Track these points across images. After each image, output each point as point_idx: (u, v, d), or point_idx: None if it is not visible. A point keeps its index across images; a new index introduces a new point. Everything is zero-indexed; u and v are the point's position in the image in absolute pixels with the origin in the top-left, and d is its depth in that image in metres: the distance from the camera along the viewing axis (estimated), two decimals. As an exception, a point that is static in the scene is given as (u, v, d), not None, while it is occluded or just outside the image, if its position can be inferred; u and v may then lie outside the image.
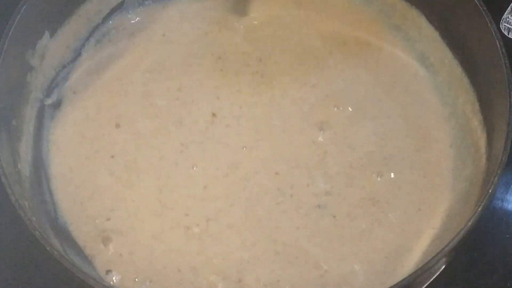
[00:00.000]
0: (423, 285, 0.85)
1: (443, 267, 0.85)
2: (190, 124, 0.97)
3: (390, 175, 0.94)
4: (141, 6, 1.05)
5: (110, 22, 1.03)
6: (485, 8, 0.88)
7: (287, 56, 1.03)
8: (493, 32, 0.86)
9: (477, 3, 0.88)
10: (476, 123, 0.93)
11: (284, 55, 1.03)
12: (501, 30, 1.05)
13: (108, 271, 0.88)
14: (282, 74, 1.01)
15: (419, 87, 1.00)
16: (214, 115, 0.97)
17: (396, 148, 0.96)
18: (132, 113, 0.98)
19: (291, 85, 1.00)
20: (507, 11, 1.08)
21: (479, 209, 0.79)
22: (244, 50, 1.03)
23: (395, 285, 0.76)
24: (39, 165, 0.93)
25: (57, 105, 0.98)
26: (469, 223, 0.78)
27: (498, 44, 0.86)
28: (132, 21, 1.05)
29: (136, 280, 0.87)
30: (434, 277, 0.86)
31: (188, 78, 1.01)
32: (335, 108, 0.98)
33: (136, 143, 0.95)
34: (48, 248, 0.76)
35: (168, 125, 0.97)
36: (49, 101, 0.97)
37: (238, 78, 1.01)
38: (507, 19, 1.07)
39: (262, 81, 1.01)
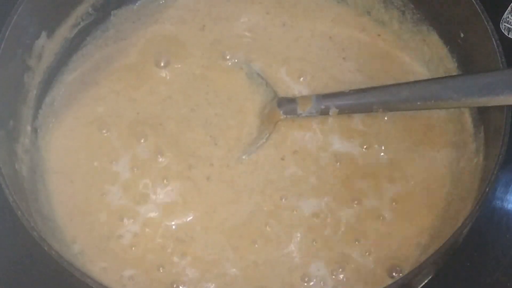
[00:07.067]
0: (421, 283, 0.85)
1: (441, 265, 0.85)
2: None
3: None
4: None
5: (109, 22, 1.03)
6: (481, 7, 0.88)
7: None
8: (490, 31, 0.86)
9: (474, 2, 0.88)
10: (474, 121, 0.93)
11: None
12: (499, 29, 1.05)
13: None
14: None
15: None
16: None
17: (394, 147, 0.96)
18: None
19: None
20: (507, 11, 1.08)
21: (477, 207, 0.79)
22: None
23: (393, 283, 0.76)
24: (37, 165, 0.93)
25: (55, 105, 0.98)
26: (467, 222, 0.78)
27: (495, 43, 0.86)
28: (132, 22, 1.05)
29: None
30: (431, 276, 0.86)
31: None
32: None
33: (136, 143, 0.96)
34: (46, 249, 0.76)
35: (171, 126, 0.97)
36: (46, 101, 0.97)
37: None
38: (507, 19, 1.07)
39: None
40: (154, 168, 0.93)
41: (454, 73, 0.97)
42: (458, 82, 0.87)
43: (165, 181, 0.93)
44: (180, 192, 0.92)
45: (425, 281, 0.86)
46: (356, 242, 0.90)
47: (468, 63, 0.94)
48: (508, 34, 1.07)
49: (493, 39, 0.86)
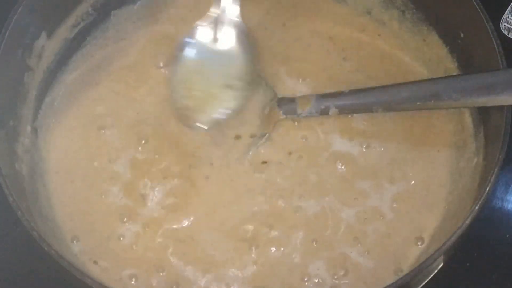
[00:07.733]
0: (421, 283, 0.85)
1: (441, 265, 0.85)
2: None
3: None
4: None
5: (109, 22, 1.03)
6: (481, 7, 0.88)
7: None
8: (490, 31, 0.86)
9: (474, 2, 0.88)
10: (474, 121, 0.93)
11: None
12: (499, 29, 1.05)
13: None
14: None
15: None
16: None
17: (394, 147, 0.96)
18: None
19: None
20: (507, 11, 1.08)
21: (476, 207, 0.79)
22: None
23: (393, 283, 0.76)
24: (37, 165, 0.93)
25: (55, 105, 0.98)
26: (467, 222, 0.78)
27: (495, 43, 0.85)
28: (132, 22, 1.05)
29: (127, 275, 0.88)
30: (432, 276, 0.86)
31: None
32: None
33: (136, 143, 0.96)
34: (46, 248, 0.76)
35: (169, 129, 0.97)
36: (46, 101, 0.97)
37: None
38: (507, 19, 1.07)
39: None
40: (154, 168, 0.93)
41: (454, 73, 0.97)
42: (458, 82, 0.87)
43: (165, 181, 0.93)
44: (180, 192, 0.92)
45: (425, 281, 0.86)
46: (356, 242, 0.90)
47: (468, 63, 0.94)
48: (508, 34, 1.07)
49: (493, 39, 0.86)
